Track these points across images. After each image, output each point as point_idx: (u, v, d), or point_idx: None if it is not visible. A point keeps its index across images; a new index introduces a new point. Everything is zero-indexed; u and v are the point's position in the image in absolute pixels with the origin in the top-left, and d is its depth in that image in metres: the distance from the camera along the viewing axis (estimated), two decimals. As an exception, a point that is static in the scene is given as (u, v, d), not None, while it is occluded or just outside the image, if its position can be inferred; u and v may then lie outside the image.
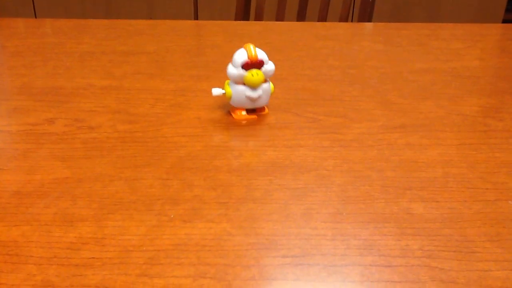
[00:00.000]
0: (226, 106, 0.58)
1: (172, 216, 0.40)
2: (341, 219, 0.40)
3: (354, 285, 0.34)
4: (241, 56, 0.52)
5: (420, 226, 0.39)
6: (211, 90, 0.54)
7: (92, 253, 0.35)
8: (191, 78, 0.66)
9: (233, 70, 0.53)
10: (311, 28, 0.88)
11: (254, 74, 0.52)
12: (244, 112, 0.55)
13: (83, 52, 0.75)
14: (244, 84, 0.53)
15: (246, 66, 0.52)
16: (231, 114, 0.55)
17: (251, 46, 0.52)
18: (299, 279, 0.34)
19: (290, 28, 0.88)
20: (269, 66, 0.53)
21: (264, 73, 0.53)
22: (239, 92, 0.53)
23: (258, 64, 0.52)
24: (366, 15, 1.18)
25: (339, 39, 0.83)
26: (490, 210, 0.41)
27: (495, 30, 0.89)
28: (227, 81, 0.55)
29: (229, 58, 0.74)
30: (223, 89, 0.54)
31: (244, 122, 0.54)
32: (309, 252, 0.36)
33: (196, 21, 0.95)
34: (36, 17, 1.83)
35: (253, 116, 0.55)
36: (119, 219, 0.39)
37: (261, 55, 0.52)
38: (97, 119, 0.55)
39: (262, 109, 0.56)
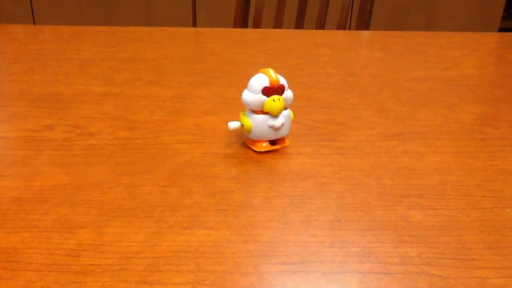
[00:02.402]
0: (241, 137, 0.53)
1: (171, 223, 0.40)
2: (339, 226, 0.40)
3: (353, 292, 0.34)
4: (260, 81, 0.48)
5: (418, 234, 0.39)
6: (227, 124, 0.49)
7: (92, 260, 0.35)
8: (190, 85, 0.66)
9: (251, 96, 0.48)
10: (309, 36, 0.89)
11: (275, 100, 0.47)
12: (265, 144, 0.50)
13: (83, 58, 0.75)
14: (263, 112, 0.48)
15: (267, 92, 0.48)
16: (249, 148, 0.51)
17: (271, 71, 0.48)
18: (297, 286, 0.34)
19: (288, 36, 0.89)
20: (289, 93, 0.49)
21: (285, 100, 0.49)
22: (260, 122, 0.48)
23: (280, 90, 0.48)
24: (364, 22, 1.19)
25: (337, 47, 0.83)
26: (488, 218, 0.41)
27: (492, 39, 0.90)
28: (242, 113, 0.50)
29: (228, 65, 0.74)
30: (239, 121, 0.49)
31: (261, 152, 0.50)
32: (307, 259, 0.36)
33: (195, 28, 0.95)
34: (34, 23, 1.83)
35: (277, 147, 0.50)
36: (119, 226, 0.39)
37: (282, 80, 0.49)
38: (96, 125, 0.55)
39: (282, 141, 0.51)
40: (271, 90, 0.48)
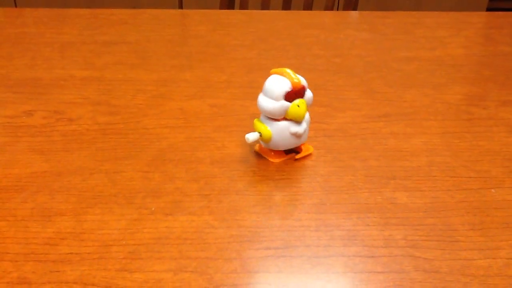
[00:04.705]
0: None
1: (153, 209, 0.39)
2: (324, 210, 0.39)
3: (338, 276, 0.33)
4: (281, 84, 0.42)
5: (404, 216, 0.39)
6: (245, 137, 0.43)
7: (71, 249, 0.35)
8: (173, 68, 0.65)
9: (272, 103, 0.42)
10: (296, 17, 0.87)
11: (300, 105, 0.42)
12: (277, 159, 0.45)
13: (63, 42, 0.73)
14: (283, 118, 0.43)
15: (289, 97, 0.42)
16: (263, 157, 0.46)
17: (289, 71, 0.42)
18: (281, 271, 0.34)
19: (275, 17, 0.87)
20: (309, 93, 0.44)
21: (306, 102, 0.43)
22: (282, 129, 0.43)
23: (302, 92, 0.43)
24: (351, 2, 1.18)
25: (324, 27, 0.82)
26: (474, 199, 0.41)
27: (479, 18, 0.89)
28: (257, 119, 0.45)
29: (213, 47, 0.73)
30: (257, 131, 0.44)
31: (278, 162, 0.45)
32: (292, 244, 0.36)
33: (180, 10, 0.93)
34: (16, 5, 1.79)
35: (301, 155, 0.46)
36: (99, 213, 0.38)
37: (303, 80, 0.43)
38: (77, 111, 0.53)
39: (306, 148, 0.46)
40: (294, 94, 0.42)
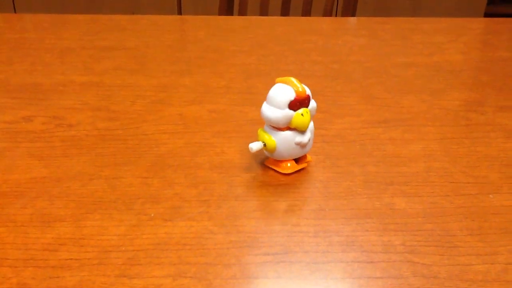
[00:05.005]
0: (258, 157, 0.46)
1: (152, 215, 0.39)
2: (323, 216, 0.39)
3: (336, 282, 0.33)
4: (286, 93, 0.41)
5: (403, 221, 0.39)
6: (248, 146, 0.43)
7: (70, 254, 0.35)
8: (172, 74, 0.65)
9: (276, 112, 0.42)
10: (294, 23, 0.88)
11: (304, 114, 0.42)
12: (289, 164, 0.44)
13: (63, 47, 0.73)
14: (287, 128, 0.43)
15: (294, 106, 0.42)
16: (272, 169, 0.45)
17: (294, 80, 0.42)
18: (280, 277, 0.34)
19: (274, 23, 0.88)
20: (313, 103, 0.44)
21: (310, 111, 0.43)
22: (287, 139, 0.42)
23: (307, 101, 0.42)
24: (350, 8, 1.18)
25: (322, 33, 0.82)
26: (472, 204, 0.41)
27: (477, 24, 0.90)
28: (260, 129, 0.44)
29: (212, 53, 0.73)
30: (261, 141, 0.43)
31: (290, 173, 0.44)
32: (291, 250, 0.36)
33: (179, 15, 0.94)
34: (15, 12, 1.80)
35: (303, 165, 0.45)
36: (98, 219, 0.38)
37: (307, 90, 0.43)
38: (76, 116, 0.54)
39: (304, 157, 0.45)
40: (298, 103, 0.42)
